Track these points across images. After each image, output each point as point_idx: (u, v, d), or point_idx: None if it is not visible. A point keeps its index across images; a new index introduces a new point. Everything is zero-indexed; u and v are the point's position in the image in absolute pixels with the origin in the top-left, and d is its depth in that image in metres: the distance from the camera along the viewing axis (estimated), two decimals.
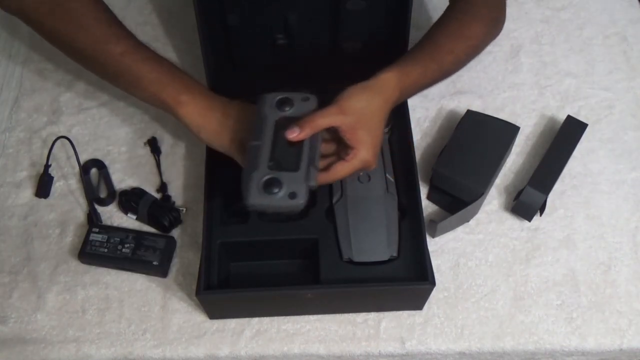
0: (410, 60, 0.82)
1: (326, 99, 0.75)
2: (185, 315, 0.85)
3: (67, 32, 0.81)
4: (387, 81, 0.78)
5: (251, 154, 0.72)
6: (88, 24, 0.80)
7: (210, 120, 0.79)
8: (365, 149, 0.73)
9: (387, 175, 0.87)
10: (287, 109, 0.74)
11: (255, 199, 0.69)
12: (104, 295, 0.86)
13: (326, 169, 0.74)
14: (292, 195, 0.68)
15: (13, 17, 0.84)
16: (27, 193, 0.95)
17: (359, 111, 0.73)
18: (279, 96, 0.75)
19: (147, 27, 1.11)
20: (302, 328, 0.84)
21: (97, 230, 0.88)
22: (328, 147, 0.77)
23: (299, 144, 0.72)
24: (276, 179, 0.69)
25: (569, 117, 0.96)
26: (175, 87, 0.80)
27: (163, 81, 0.80)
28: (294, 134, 0.70)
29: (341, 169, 0.73)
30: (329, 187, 0.87)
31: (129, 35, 0.82)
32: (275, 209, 0.70)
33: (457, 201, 0.87)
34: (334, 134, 0.75)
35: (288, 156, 0.71)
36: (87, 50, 0.81)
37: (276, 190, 0.68)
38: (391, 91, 0.78)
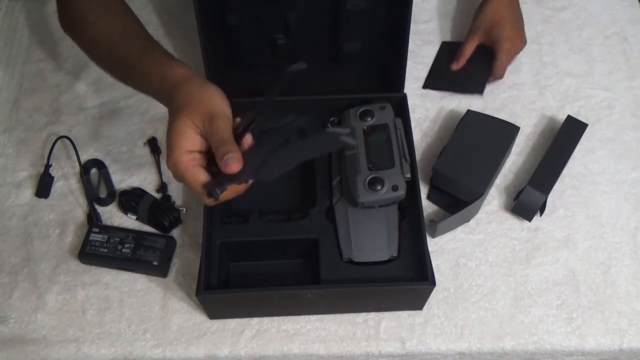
0: None
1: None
2: (185, 315, 0.85)
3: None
4: None
5: (351, 162, 0.82)
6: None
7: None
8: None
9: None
10: (369, 119, 0.85)
11: (364, 197, 0.79)
12: (104, 295, 0.86)
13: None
14: (395, 188, 0.79)
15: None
16: (27, 193, 0.95)
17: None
18: (361, 109, 0.86)
19: (147, 27, 1.08)
20: (302, 328, 0.84)
21: (97, 230, 0.88)
22: None
23: (389, 144, 0.82)
24: (378, 178, 0.79)
25: (569, 117, 0.96)
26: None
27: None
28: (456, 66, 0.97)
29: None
30: (329, 187, 0.87)
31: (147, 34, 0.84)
32: (382, 202, 0.80)
33: (457, 201, 0.87)
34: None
35: (383, 156, 0.81)
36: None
37: (379, 187, 0.79)
38: None
